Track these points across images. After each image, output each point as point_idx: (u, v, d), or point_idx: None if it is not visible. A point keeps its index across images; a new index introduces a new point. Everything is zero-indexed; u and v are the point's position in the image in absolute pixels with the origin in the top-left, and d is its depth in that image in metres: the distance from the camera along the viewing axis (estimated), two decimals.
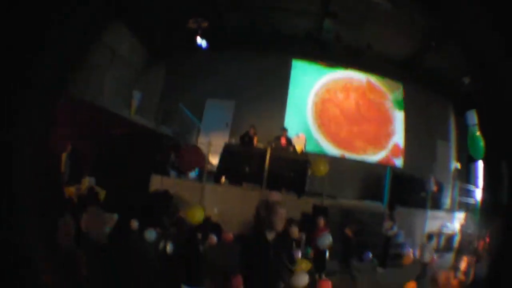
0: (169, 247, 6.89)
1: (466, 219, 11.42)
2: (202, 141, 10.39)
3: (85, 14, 2.42)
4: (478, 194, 11.63)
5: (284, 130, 9.72)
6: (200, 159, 8.77)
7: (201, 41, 10.64)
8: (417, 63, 11.19)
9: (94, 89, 9.73)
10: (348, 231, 6.77)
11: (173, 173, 9.60)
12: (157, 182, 9.46)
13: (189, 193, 9.19)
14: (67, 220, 5.35)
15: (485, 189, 11.32)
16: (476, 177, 12.09)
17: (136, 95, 10.39)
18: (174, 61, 10.89)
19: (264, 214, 3.28)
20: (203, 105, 10.82)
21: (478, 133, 6.98)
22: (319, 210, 9.01)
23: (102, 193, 9.20)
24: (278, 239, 3.33)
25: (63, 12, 2.18)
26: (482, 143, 6.26)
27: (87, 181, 9.55)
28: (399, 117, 11.91)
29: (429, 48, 11.02)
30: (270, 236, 3.28)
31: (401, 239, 9.69)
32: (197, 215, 6.62)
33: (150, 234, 7.26)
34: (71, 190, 9.12)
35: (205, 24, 10.81)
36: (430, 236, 9.15)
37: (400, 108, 11.93)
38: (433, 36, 10.59)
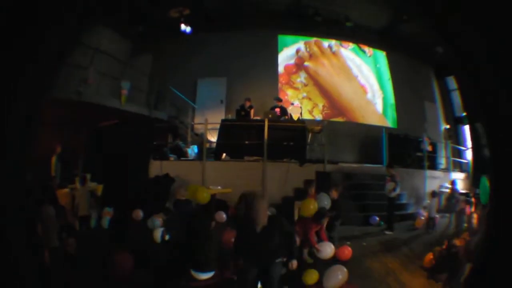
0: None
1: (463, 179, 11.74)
2: (197, 120, 10.28)
3: (72, 16, 2.40)
4: (469, 154, 12.03)
5: (278, 100, 9.74)
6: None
7: (185, 27, 10.67)
8: (394, 32, 11.55)
9: (80, 86, 9.53)
10: (334, 193, 6.55)
11: (172, 156, 9.42)
12: (156, 167, 9.25)
13: (191, 174, 9.01)
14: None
15: (473, 149, 11.74)
16: (464, 139, 12.52)
17: (125, 85, 10.23)
18: (161, 48, 10.83)
19: (245, 211, 3.38)
20: (195, 86, 10.73)
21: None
22: (322, 176, 9.04)
23: (98, 188, 8.91)
24: (265, 230, 3.36)
25: (48, 14, 2.15)
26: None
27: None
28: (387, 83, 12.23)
29: (402, 20, 11.44)
30: (258, 228, 3.34)
31: (404, 199, 9.81)
32: (201, 195, 6.37)
33: (155, 222, 6.92)
34: (64, 192, 8.77)
35: (187, 11, 10.88)
36: (434, 193, 9.28)
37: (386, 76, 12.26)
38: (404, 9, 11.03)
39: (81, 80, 9.60)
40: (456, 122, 12.66)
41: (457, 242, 4.81)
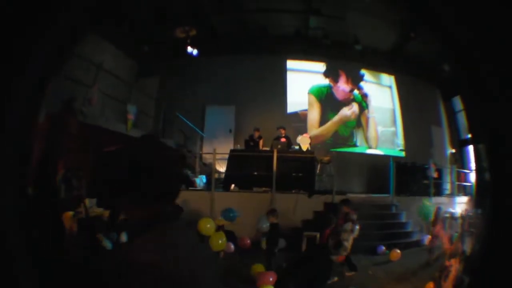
0: None
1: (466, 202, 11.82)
2: (207, 149, 10.21)
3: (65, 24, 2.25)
4: (472, 176, 12.09)
5: (281, 129, 9.70)
6: None
7: (191, 50, 10.48)
8: (402, 53, 11.46)
9: (84, 106, 9.37)
10: (271, 218, 6.91)
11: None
12: None
13: (199, 204, 8.99)
14: None
15: (476, 171, 11.79)
16: (468, 161, 12.56)
17: (131, 109, 10.09)
18: (167, 71, 10.66)
19: None
20: (202, 113, 10.63)
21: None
22: (330, 208, 9.08)
23: (105, 214, 8.83)
24: None
25: (43, 22, 2.02)
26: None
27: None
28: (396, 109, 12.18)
29: (410, 39, 11.33)
30: None
31: (409, 227, 9.91)
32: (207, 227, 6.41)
33: None
34: (68, 216, 8.66)
35: (193, 32, 10.67)
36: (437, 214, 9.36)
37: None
38: (411, 26, 10.92)
39: (85, 99, 9.46)
40: (461, 145, 12.68)
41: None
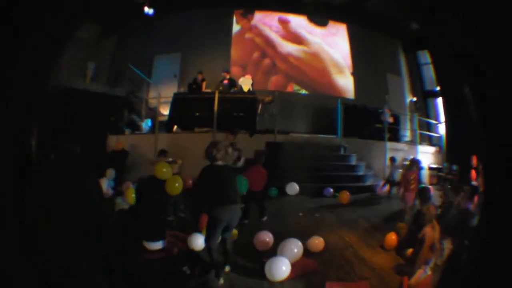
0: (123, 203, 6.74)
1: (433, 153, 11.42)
2: (152, 95, 10.57)
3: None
4: (442, 128, 11.67)
5: (225, 72, 9.84)
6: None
7: (148, 10, 10.98)
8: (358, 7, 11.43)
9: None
10: None
11: (127, 130, 9.71)
12: (113, 142, 9.55)
13: (144, 147, 9.25)
14: None
15: (446, 124, 11.40)
16: (437, 113, 12.17)
17: (91, 66, 10.68)
18: (124, 30, 11.18)
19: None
20: (150, 62, 11.06)
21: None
22: (272, 147, 9.06)
23: None
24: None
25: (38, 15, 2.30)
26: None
27: None
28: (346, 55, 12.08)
29: None
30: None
31: (362, 171, 9.63)
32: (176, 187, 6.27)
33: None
34: None
35: None
36: (392, 159, 9.12)
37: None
38: None
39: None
40: (426, 96, 12.34)
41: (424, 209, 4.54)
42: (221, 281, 3.77)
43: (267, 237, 4.75)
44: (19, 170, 2.18)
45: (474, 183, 7.43)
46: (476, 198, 6.15)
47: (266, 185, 6.54)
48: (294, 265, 4.06)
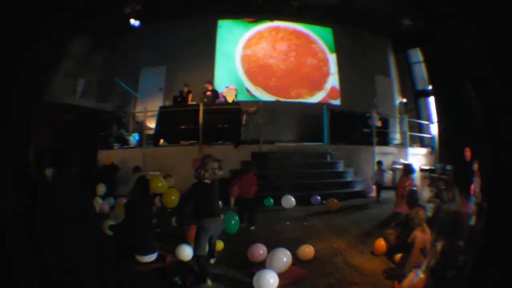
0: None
1: (424, 154, 11.28)
2: (139, 109, 10.70)
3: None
4: (434, 129, 11.50)
5: (207, 83, 9.89)
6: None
7: (134, 22, 11.05)
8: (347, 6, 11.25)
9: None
10: None
11: (116, 145, 9.88)
12: (103, 156, 9.75)
13: (133, 161, 9.39)
14: None
15: (439, 123, 11.22)
16: (429, 113, 11.99)
17: (80, 82, 10.85)
18: (112, 43, 11.28)
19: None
20: (136, 76, 11.16)
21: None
22: (258, 157, 9.10)
23: None
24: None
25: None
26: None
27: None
28: (332, 59, 11.96)
29: None
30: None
31: (350, 176, 9.62)
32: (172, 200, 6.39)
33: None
34: None
35: (138, 7, 11.27)
36: (379, 162, 9.08)
37: (332, 51, 12.00)
38: None
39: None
40: (417, 96, 12.15)
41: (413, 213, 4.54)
42: (209, 282, 4.00)
43: (261, 249, 4.78)
44: (18, 185, 2.30)
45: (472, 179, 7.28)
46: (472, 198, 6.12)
47: (257, 194, 6.78)
48: (283, 274, 4.16)
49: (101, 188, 8.41)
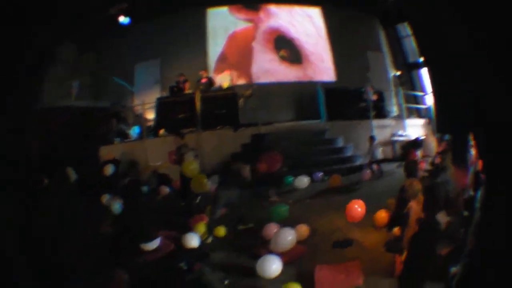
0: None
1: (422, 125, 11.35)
2: (137, 103, 10.81)
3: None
4: (429, 99, 11.58)
5: (202, 71, 10.02)
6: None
7: (123, 19, 11.14)
8: None
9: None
10: None
11: (117, 140, 9.98)
12: (105, 152, 9.83)
13: (135, 154, 9.51)
14: None
15: (434, 92, 11.30)
16: (422, 84, 12.09)
17: (74, 84, 10.94)
18: (103, 42, 11.38)
19: None
20: (132, 71, 11.28)
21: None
22: (258, 138, 9.22)
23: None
24: None
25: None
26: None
27: None
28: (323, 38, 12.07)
29: None
30: None
31: (350, 152, 9.69)
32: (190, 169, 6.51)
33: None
34: None
35: (124, 6, 11.36)
36: (372, 137, 9.12)
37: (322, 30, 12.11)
38: None
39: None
40: (409, 68, 12.26)
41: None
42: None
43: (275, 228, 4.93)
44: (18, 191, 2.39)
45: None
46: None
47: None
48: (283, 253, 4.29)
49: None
